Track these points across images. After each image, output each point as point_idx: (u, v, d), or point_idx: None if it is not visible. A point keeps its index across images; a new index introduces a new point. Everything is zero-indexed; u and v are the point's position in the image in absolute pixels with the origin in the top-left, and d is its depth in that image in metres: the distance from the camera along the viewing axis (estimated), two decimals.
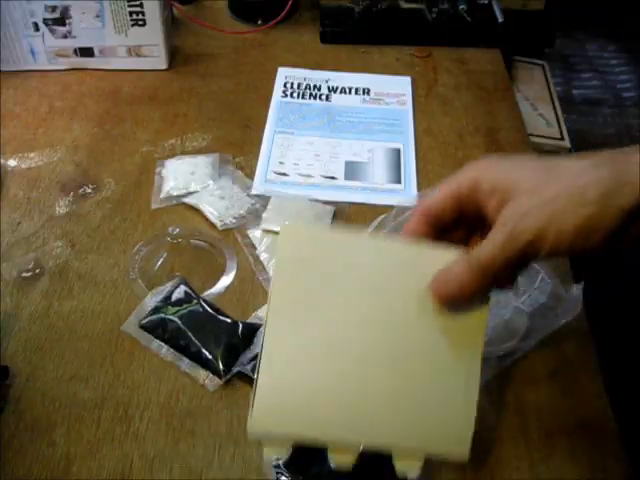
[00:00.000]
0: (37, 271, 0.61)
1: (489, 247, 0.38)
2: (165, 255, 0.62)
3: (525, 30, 0.99)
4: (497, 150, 0.76)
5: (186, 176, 0.69)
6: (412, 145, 0.76)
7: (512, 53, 0.98)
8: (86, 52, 0.83)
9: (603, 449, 0.50)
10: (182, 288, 0.58)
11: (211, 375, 0.53)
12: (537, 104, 1.00)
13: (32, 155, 0.73)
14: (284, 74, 0.86)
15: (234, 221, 0.66)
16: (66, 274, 0.61)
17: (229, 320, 0.56)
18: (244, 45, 0.92)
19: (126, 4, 0.79)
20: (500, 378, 0.54)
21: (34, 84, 0.82)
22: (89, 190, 0.69)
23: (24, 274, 0.61)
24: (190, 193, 0.68)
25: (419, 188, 0.71)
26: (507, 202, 0.38)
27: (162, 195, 0.68)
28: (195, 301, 0.57)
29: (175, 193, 0.68)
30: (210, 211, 0.66)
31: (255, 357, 0.53)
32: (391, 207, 0.64)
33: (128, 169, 0.72)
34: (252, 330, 0.55)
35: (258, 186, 0.70)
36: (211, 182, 0.69)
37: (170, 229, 0.63)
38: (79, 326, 0.57)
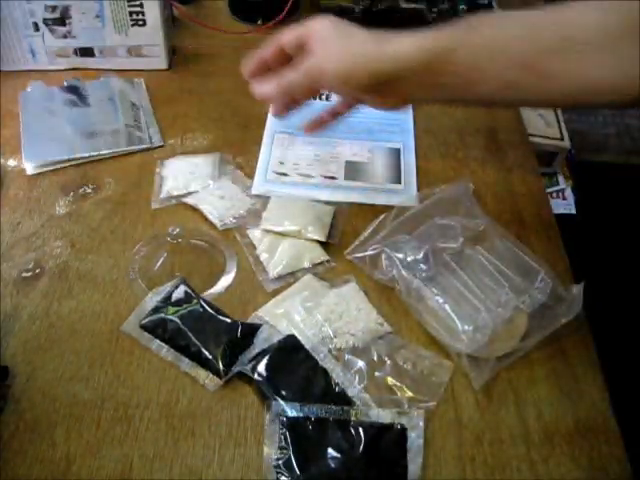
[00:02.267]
0: (37, 271, 0.61)
1: (292, 75, 0.55)
2: (165, 255, 0.62)
3: None
4: (497, 150, 0.76)
5: (186, 176, 0.69)
6: (412, 145, 0.76)
7: None
8: (86, 52, 0.83)
9: (603, 449, 0.50)
10: (182, 288, 0.58)
11: (211, 375, 0.53)
12: None
13: None
14: None
15: (234, 221, 0.66)
16: (66, 274, 0.61)
17: (229, 320, 0.56)
18: (244, 45, 0.91)
19: (126, 4, 0.79)
20: (500, 378, 0.54)
21: None
22: (89, 190, 0.69)
23: (24, 274, 0.61)
24: (190, 193, 0.68)
25: (419, 188, 0.71)
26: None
27: (162, 195, 0.68)
28: (195, 301, 0.57)
29: (175, 193, 0.68)
30: (210, 211, 0.66)
31: (255, 357, 0.53)
32: (391, 207, 0.64)
33: (128, 169, 0.72)
34: (252, 330, 0.55)
35: (258, 186, 0.70)
36: (211, 182, 0.69)
37: (170, 229, 0.63)
38: (79, 326, 0.57)
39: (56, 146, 0.72)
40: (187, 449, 0.49)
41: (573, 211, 1.11)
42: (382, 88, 0.53)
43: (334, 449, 0.47)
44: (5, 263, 0.61)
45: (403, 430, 0.49)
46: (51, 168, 0.71)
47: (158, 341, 0.55)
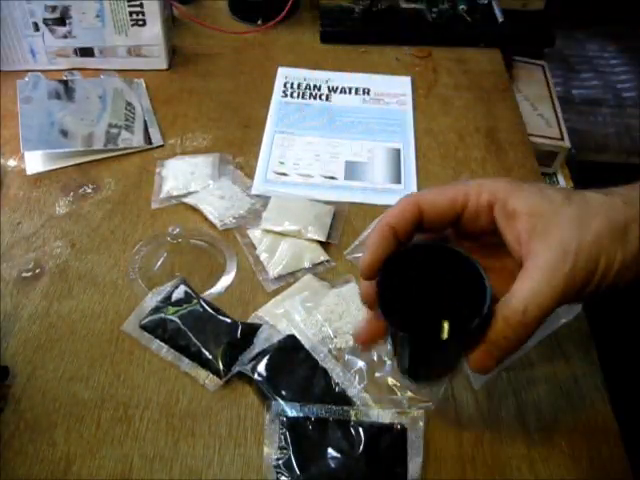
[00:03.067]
0: (37, 271, 0.61)
1: (536, 292, 0.36)
2: (165, 255, 0.62)
3: (525, 30, 0.99)
4: (497, 150, 0.76)
5: (186, 176, 0.69)
6: (412, 145, 0.76)
7: (512, 53, 0.98)
8: (86, 52, 0.83)
9: (603, 449, 0.50)
10: (182, 288, 0.58)
11: (211, 375, 0.53)
12: (537, 104, 1.00)
13: None
14: (284, 74, 0.86)
15: (234, 221, 0.66)
16: (66, 274, 0.61)
17: (229, 320, 0.56)
18: (244, 45, 0.92)
19: (126, 4, 0.79)
20: (500, 378, 0.54)
21: None
22: (89, 190, 0.69)
23: (24, 274, 0.61)
24: (190, 193, 0.68)
25: (419, 188, 0.71)
26: (542, 232, 0.36)
27: (162, 195, 0.68)
28: (195, 301, 0.57)
29: (175, 193, 0.68)
30: (210, 211, 0.66)
31: (255, 357, 0.53)
32: (391, 207, 0.64)
33: (128, 169, 0.72)
34: (252, 330, 0.55)
35: (258, 186, 0.70)
36: (211, 182, 0.69)
37: (170, 229, 0.63)
38: (79, 326, 0.57)
39: (26, 135, 0.71)
40: (187, 449, 0.49)
41: None
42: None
43: (334, 449, 0.47)
44: (5, 263, 0.61)
45: (403, 430, 0.49)
46: (49, 168, 0.71)
47: (158, 341, 0.55)
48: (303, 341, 0.54)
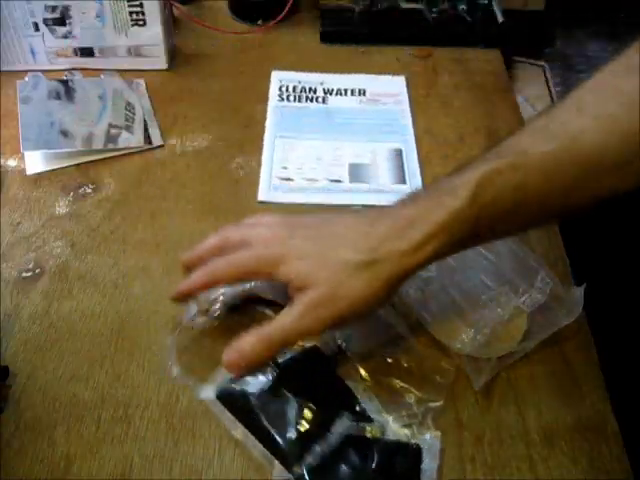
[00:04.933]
0: (37, 271, 0.61)
1: (294, 325, 0.46)
2: None
3: (525, 30, 0.99)
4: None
5: None
6: (413, 145, 0.76)
7: (512, 53, 0.98)
8: (86, 52, 0.83)
9: (603, 449, 0.50)
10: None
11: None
12: (537, 104, 1.00)
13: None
14: (278, 78, 0.86)
15: None
16: (66, 274, 0.61)
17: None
18: (244, 45, 0.92)
19: (126, 4, 0.79)
20: (500, 378, 0.54)
21: None
22: (89, 190, 0.69)
23: (24, 274, 0.61)
24: None
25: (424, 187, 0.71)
26: (306, 289, 0.46)
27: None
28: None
29: None
30: None
31: (278, 366, 0.51)
32: None
33: (128, 169, 0.72)
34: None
35: (264, 193, 0.70)
36: None
37: None
38: (79, 326, 0.57)
39: (25, 135, 0.71)
40: (187, 449, 0.49)
41: None
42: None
43: (346, 465, 0.46)
44: (5, 263, 0.61)
45: (418, 450, 0.48)
46: (49, 168, 0.71)
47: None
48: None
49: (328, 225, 0.49)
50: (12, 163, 0.72)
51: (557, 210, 0.49)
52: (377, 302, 0.47)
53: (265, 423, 0.48)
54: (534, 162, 0.45)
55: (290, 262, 0.47)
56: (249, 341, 0.47)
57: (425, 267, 0.47)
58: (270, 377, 0.50)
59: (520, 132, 0.49)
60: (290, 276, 0.47)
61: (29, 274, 0.61)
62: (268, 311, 0.56)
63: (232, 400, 0.50)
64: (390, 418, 0.50)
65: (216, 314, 0.55)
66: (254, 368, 0.49)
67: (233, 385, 0.50)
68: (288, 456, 0.47)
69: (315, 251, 0.47)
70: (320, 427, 0.48)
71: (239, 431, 0.49)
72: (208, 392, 0.51)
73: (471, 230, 0.45)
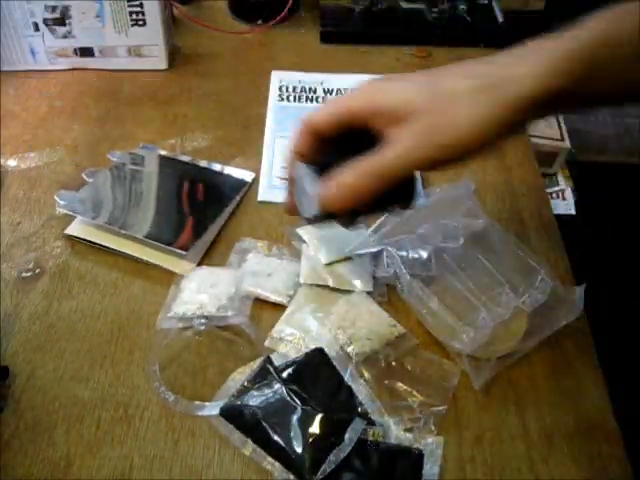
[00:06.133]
0: (37, 271, 0.61)
1: (400, 156, 0.41)
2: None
3: (525, 30, 0.99)
4: (497, 151, 0.75)
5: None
6: None
7: None
8: (86, 52, 0.83)
9: (603, 449, 0.50)
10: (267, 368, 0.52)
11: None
12: None
13: (32, 155, 0.73)
14: (278, 78, 0.86)
15: None
16: (66, 274, 0.61)
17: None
18: (244, 45, 0.92)
19: (126, 4, 0.79)
20: (500, 378, 0.54)
21: (34, 84, 0.82)
22: None
23: (24, 274, 0.61)
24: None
25: (424, 187, 0.71)
26: (405, 121, 0.41)
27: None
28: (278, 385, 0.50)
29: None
30: None
31: (284, 368, 0.51)
32: None
33: None
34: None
35: (264, 193, 0.70)
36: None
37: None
38: (79, 326, 0.57)
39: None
40: (187, 449, 0.49)
41: (573, 211, 1.11)
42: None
43: (348, 469, 0.46)
44: (5, 263, 0.61)
45: (420, 455, 0.48)
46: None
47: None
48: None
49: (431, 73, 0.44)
50: (12, 163, 0.72)
51: None
52: (498, 132, 0.41)
53: (275, 437, 0.47)
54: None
55: (382, 91, 0.42)
56: (350, 174, 0.42)
57: (552, 101, 0.40)
58: (274, 388, 0.49)
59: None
60: (386, 103, 0.41)
61: (29, 274, 0.61)
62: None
63: (237, 416, 0.49)
64: (392, 421, 0.50)
65: (201, 328, 0.55)
66: (360, 202, 0.43)
67: (236, 401, 0.49)
68: (303, 469, 0.45)
69: (418, 80, 0.43)
70: (333, 435, 0.47)
71: (248, 447, 0.48)
72: (210, 409, 0.51)
73: (590, 68, 0.40)
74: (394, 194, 0.45)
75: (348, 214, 0.46)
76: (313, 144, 0.45)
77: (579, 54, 0.40)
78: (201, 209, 0.66)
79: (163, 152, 0.72)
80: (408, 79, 0.44)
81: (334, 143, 0.45)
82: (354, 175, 0.42)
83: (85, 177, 0.68)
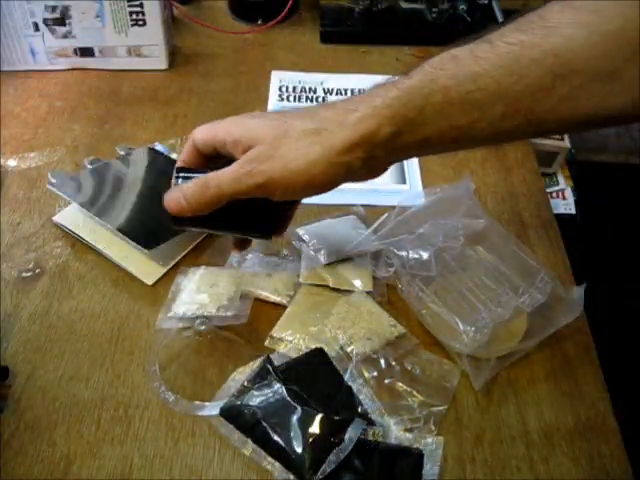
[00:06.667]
0: (37, 271, 0.61)
1: (227, 175, 0.48)
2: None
3: None
4: (497, 150, 0.76)
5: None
6: None
7: None
8: (86, 52, 0.83)
9: (603, 449, 0.50)
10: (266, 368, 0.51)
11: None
12: None
13: (32, 155, 0.73)
14: (278, 77, 0.86)
15: None
16: (66, 274, 0.61)
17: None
18: (244, 45, 0.92)
19: (126, 4, 0.79)
20: (500, 378, 0.54)
21: (34, 84, 0.82)
22: None
23: (24, 274, 0.61)
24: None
25: (424, 187, 0.71)
26: (249, 149, 0.47)
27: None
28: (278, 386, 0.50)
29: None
30: None
31: (284, 369, 0.51)
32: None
33: None
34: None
35: None
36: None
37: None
38: (79, 326, 0.57)
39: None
40: (187, 449, 0.49)
41: (573, 211, 1.11)
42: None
43: (348, 469, 0.46)
44: (5, 263, 0.61)
45: (420, 455, 0.48)
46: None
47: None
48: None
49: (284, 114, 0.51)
50: (12, 163, 0.72)
51: (524, 115, 0.44)
52: (318, 173, 0.46)
53: (275, 437, 0.47)
54: (498, 52, 0.45)
55: (243, 124, 0.49)
56: (189, 185, 0.49)
57: (372, 145, 0.46)
58: (274, 388, 0.49)
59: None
60: (241, 135, 0.48)
61: (29, 274, 0.61)
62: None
63: (237, 416, 0.49)
64: (392, 421, 0.50)
65: (201, 328, 0.55)
66: (193, 210, 0.49)
67: (236, 401, 0.49)
68: (303, 469, 0.45)
69: (273, 118, 0.49)
70: (333, 435, 0.47)
71: (248, 447, 0.48)
72: (210, 409, 0.51)
73: (417, 114, 0.44)
74: (254, 222, 0.52)
75: (196, 223, 0.52)
76: (197, 157, 0.52)
77: (405, 99, 0.45)
78: None
79: (172, 154, 0.72)
80: (265, 117, 0.51)
81: (214, 160, 0.52)
82: (193, 183, 0.49)
83: (86, 163, 0.68)
